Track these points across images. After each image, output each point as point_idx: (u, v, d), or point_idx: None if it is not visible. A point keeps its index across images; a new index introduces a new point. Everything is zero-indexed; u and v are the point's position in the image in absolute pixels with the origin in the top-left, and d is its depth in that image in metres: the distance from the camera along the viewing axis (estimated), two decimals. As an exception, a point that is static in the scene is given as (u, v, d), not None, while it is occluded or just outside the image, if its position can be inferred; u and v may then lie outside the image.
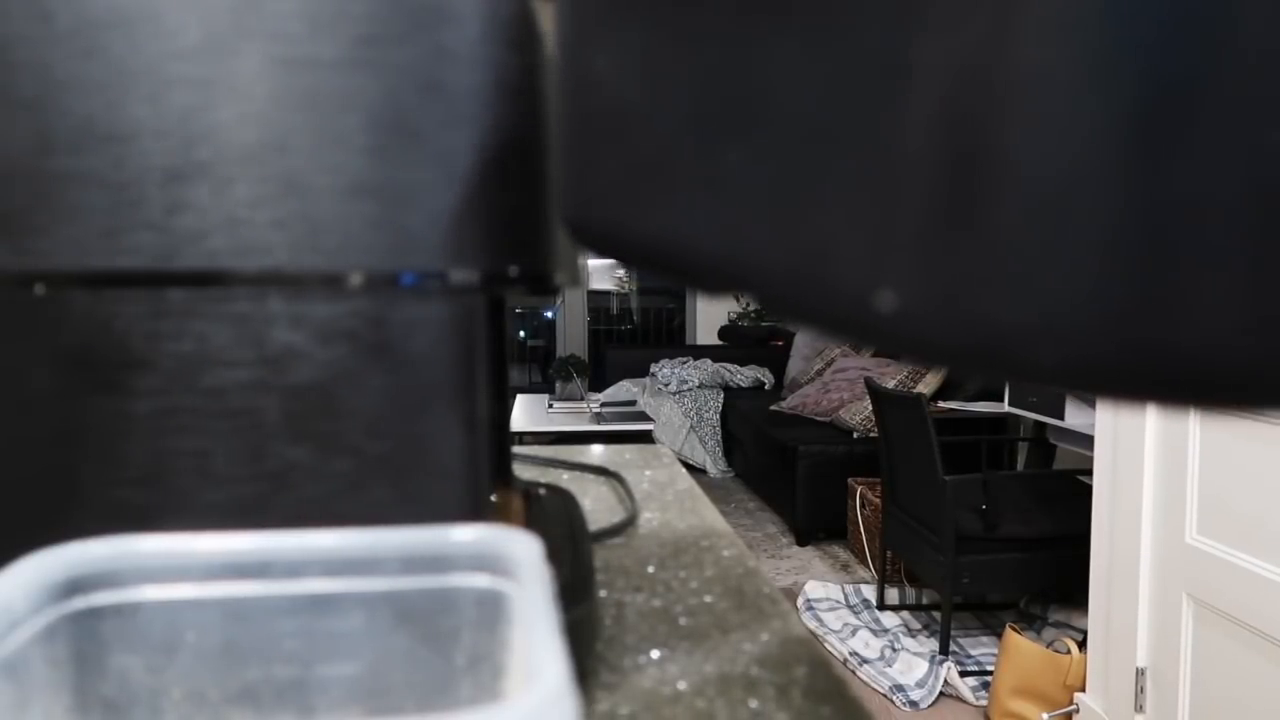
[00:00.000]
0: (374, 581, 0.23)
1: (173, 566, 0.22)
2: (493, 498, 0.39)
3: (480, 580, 0.23)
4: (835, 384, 4.37)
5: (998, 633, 2.72)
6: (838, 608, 2.95)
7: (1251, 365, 0.15)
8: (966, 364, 0.20)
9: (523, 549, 0.24)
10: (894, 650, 2.63)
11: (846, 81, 0.21)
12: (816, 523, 3.69)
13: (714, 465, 5.04)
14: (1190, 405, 0.17)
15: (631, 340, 6.70)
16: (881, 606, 2.94)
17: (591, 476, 0.83)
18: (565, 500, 0.61)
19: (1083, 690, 2.11)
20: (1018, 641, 2.25)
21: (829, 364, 4.87)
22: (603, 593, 0.53)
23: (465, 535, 0.23)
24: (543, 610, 0.19)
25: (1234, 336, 0.15)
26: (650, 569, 0.58)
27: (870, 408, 3.73)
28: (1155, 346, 0.16)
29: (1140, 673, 1.88)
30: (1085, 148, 0.16)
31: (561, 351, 5.95)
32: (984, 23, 0.18)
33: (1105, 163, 0.16)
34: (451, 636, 0.23)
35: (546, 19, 0.42)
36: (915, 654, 2.59)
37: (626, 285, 6.72)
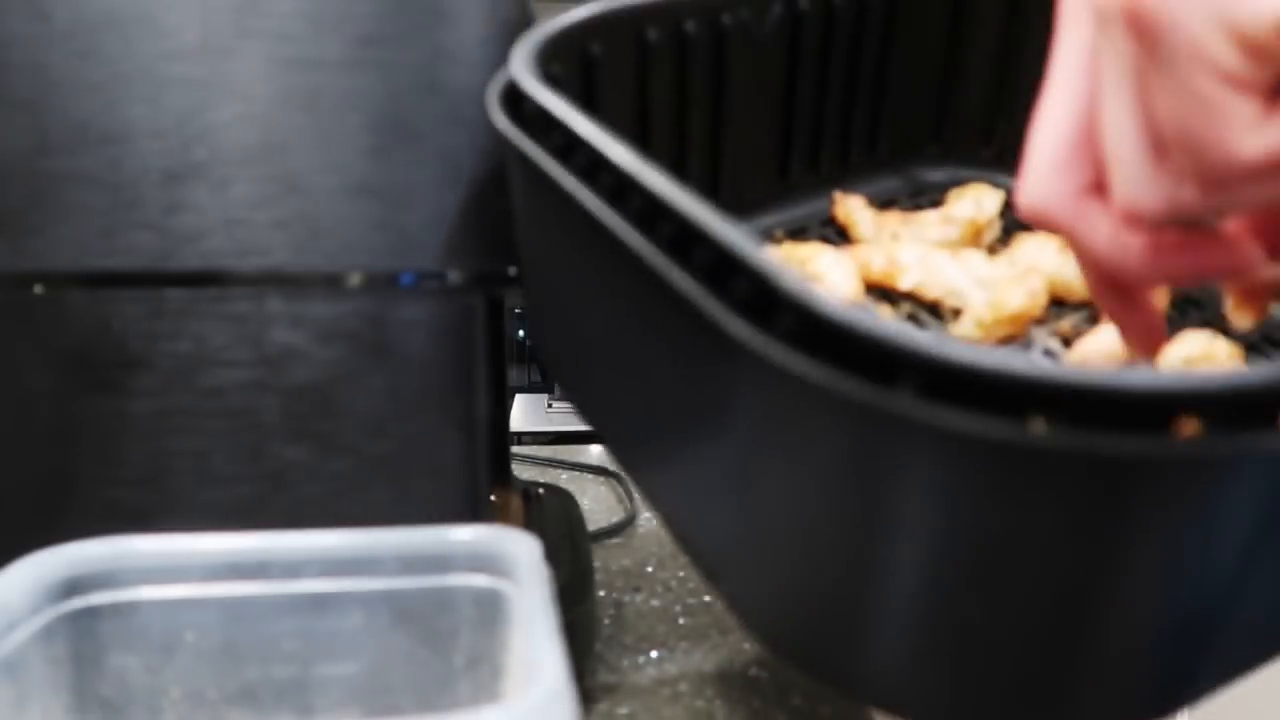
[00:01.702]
0: (373, 581, 0.23)
1: (171, 567, 0.22)
2: (491, 498, 0.39)
3: (479, 580, 0.23)
4: (834, 384, 4.36)
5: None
6: (837, 608, 2.95)
7: None
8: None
9: (522, 549, 0.24)
10: (893, 650, 2.63)
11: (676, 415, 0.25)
12: (816, 523, 3.68)
13: (713, 465, 5.02)
14: None
15: (630, 340, 6.68)
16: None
17: (591, 476, 0.83)
18: (564, 500, 0.61)
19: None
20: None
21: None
22: (602, 593, 0.53)
23: (464, 535, 0.23)
24: (542, 611, 0.19)
25: None
26: (649, 569, 0.58)
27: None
28: None
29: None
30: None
31: (560, 352, 5.92)
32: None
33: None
34: (450, 636, 0.23)
35: (546, 20, 0.42)
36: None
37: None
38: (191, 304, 0.35)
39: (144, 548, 0.23)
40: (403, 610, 0.23)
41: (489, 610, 0.23)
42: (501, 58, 0.38)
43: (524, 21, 0.39)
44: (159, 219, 0.35)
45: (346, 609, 0.23)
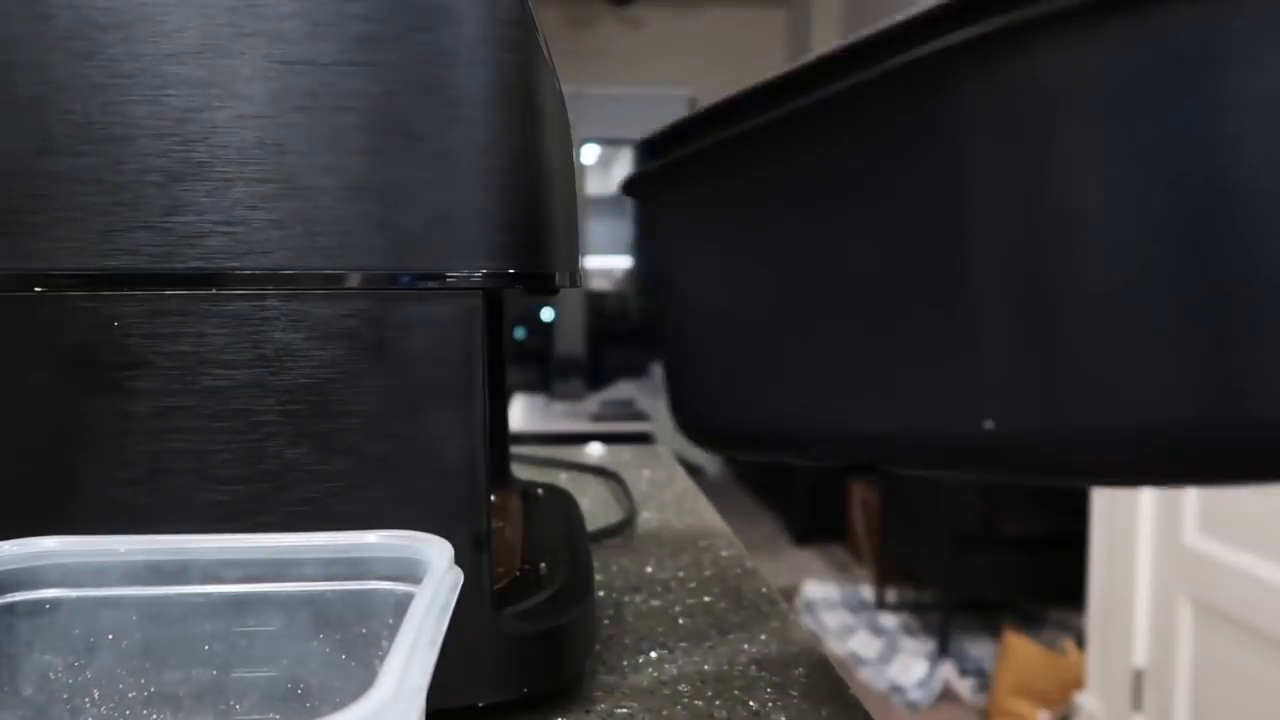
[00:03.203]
0: (293, 585, 0.23)
1: (89, 567, 0.22)
2: (491, 498, 0.39)
3: (401, 586, 0.23)
4: (834, 384, 4.36)
5: (997, 633, 2.72)
6: (836, 608, 2.95)
7: None
8: (1073, 475, 0.24)
9: (434, 553, 0.24)
10: (893, 650, 2.63)
11: (912, 253, 0.24)
12: (815, 523, 3.68)
13: (712, 465, 5.03)
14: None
15: (630, 340, 6.67)
16: (880, 606, 2.94)
17: (590, 476, 0.83)
18: (564, 500, 0.61)
19: (1081, 689, 2.11)
20: (1016, 641, 2.25)
21: (828, 364, 4.85)
22: (601, 593, 0.53)
23: (378, 539, 0.23)
24: (419, 620, 0.19)
25: None
26: (649, 569, 0.58)
27: (869, 408, 3.71)
28: (1237, 428, 0.19)
29: (1138, 673, 1.88)
30: (1135, 260, 0.19)
31: (560, 351, 5.92)
32: (1020, 179, 0.21)
33: (1156, 269, 0.19)
34: (372, 641, 0.23)
35: (545, 20, 0.42)
36: (914, 654, 2.58)
37: (625, 285, 6.71)
38: (191, 304, 0.36)
39: (61, 548, 0.23)
40: (323, 614, 0.23)
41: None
42: (501, 58, 0.38)
43: (524, 22, 0.39)
44: (159, 219, 0.35)
45: (266, 612, 0.23)
